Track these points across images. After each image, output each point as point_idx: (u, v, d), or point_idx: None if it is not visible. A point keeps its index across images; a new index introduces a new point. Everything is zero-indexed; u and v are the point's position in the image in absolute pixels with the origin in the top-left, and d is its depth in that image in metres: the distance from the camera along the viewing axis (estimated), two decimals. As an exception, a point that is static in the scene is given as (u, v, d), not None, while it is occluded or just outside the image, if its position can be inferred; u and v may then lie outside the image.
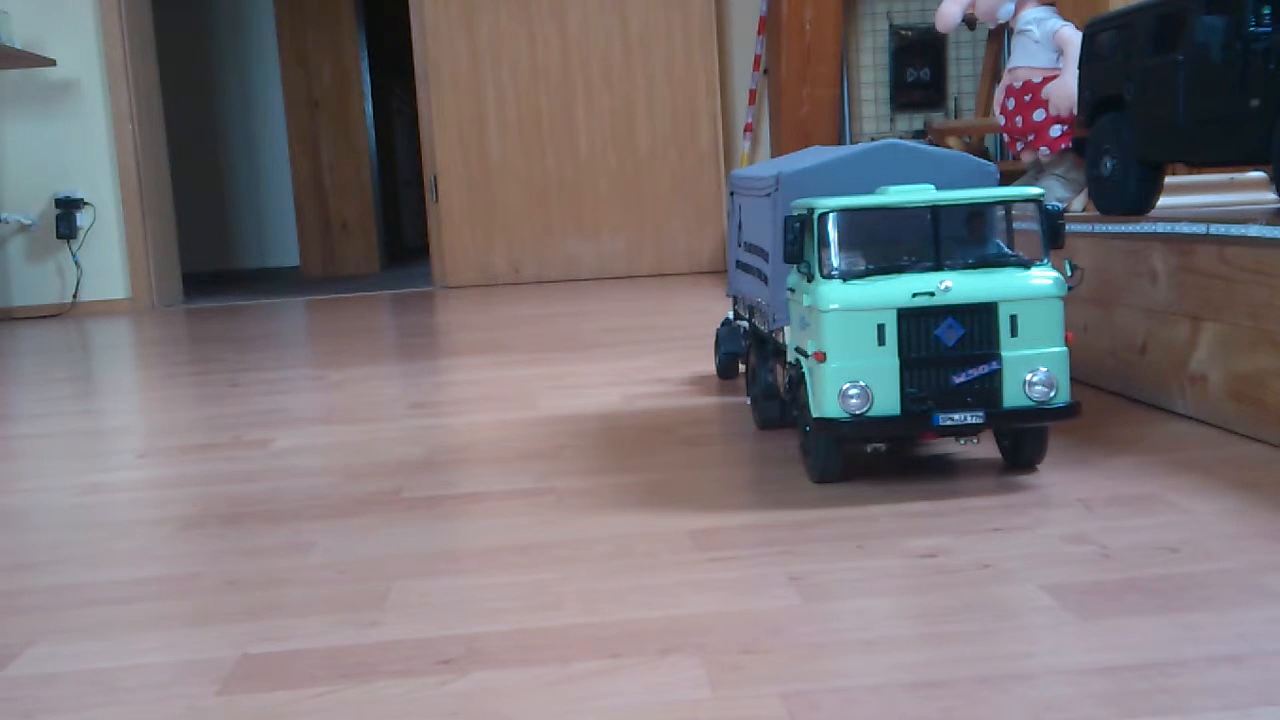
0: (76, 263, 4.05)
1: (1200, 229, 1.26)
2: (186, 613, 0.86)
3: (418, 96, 4.20)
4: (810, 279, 1.05)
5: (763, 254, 1.29)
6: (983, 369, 1.01)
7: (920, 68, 4.22)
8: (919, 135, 4.07)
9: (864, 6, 4.22)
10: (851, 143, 3.16)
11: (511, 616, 0.81)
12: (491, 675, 0.71)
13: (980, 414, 1.01)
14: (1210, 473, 1.07)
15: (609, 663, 0.72)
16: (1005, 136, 2.01)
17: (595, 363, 2.01)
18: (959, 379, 1.01)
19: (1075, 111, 1.72)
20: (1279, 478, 1.04)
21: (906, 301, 1.00)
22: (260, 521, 1.10)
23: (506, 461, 1.29)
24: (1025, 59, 1.94)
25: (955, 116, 4.19)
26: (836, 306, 1.01)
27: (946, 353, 1.01)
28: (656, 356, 2.03)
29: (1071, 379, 1.14)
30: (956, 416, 1.01)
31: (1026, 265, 1.03)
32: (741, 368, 1.72)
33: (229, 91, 6.31)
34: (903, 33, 4.21)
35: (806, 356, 1.06)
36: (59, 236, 4.00)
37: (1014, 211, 1.07)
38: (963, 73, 4.24)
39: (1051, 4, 1.95)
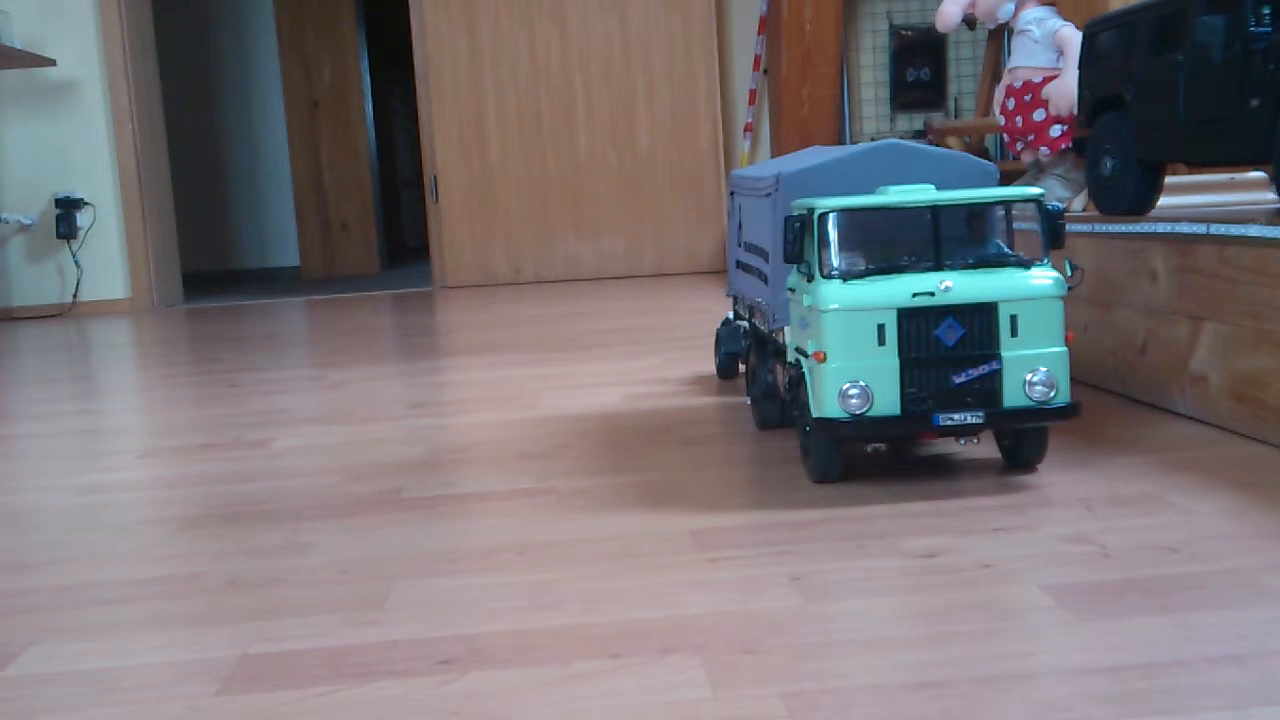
0: (76, 263, 4.05)
1: (1200, 229, 1.26)
2: (186, 613, 0.86)
3: (418, 96, 4.20)
4: (810, 279, 1.05)
5: (763, 254, 1.29)
6: (983, 369, 1.01)
7: (920, 68, 4.22)
8: (919, 135, 4.07)
9: (864, 6, 4.22)
10: (851, 143, 3.16)
11: (511, 616, 0.81)
12: (491, 675, 0.71)
13: (980, 414, 1.01)
14: (1210, 473, 1.07)
15: (609, 663, 0.72)
16: (1005, 136, 2.01)
17: (595, 363, 2.01)
18: (959, 379, 1.01)
19: (1075, 111, 1.72)
20: (1279, 478, 1.04)
21: (906, 301, 1.00)
22: (260, 521, 1.10)
23: (506, 461, 1.29)
24: (1025, 59, 1.94)
25: (955, 116, 4.19)
26: (836, 306, 1.01)
27: (946, 353, 1.01)
28: (656, 356, 2.03)
29: (1071, 379, 1.14)
30: (956, 416, 1.01)
31: (1026, 265, 1.03)
32: (741, 368, 1.72)
33: (229, 92, 6.32)
34: (903, 33, 4.21)
35: (806, 356, 1.06)
36: (59, 236, 4.01)
37: (1014, 211, 1.07)
38: (963, 73, 4.24)
39: (1051, 4, 1.95)
